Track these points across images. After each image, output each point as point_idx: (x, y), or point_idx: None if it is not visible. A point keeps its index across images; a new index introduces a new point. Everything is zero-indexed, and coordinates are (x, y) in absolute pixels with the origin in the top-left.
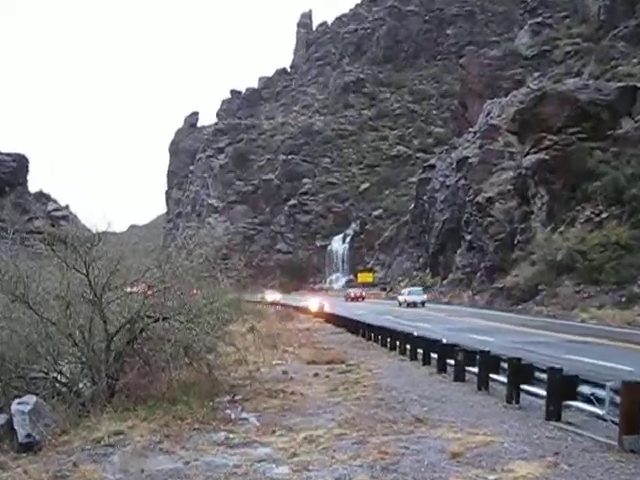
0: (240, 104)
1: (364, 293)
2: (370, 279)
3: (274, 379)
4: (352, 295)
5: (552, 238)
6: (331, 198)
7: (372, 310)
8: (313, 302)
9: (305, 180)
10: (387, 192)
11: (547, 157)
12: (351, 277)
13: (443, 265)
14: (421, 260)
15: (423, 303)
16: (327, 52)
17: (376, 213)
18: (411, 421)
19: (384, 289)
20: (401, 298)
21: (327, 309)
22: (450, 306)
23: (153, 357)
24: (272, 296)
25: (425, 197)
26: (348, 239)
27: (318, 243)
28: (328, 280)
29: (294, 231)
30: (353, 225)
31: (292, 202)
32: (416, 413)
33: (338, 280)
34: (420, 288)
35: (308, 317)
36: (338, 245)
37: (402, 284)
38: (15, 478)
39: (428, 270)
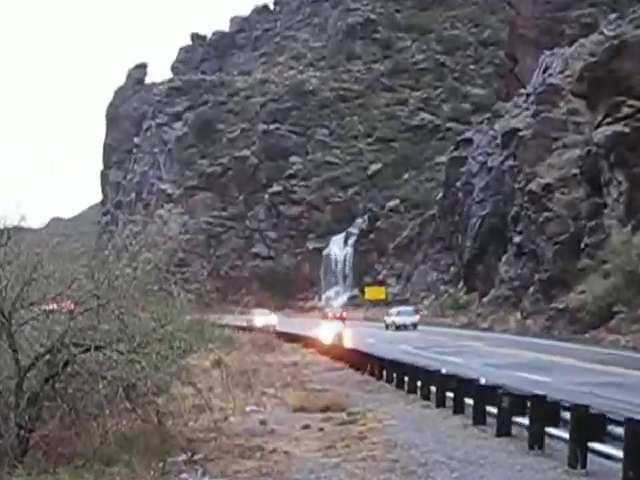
0: (205, 54)
1: (345, 313)
2: (382, 296)
3: (248, 432)
4: (330, 315)
5: (632, 241)
6: (329, 184)
7: (378, 337)
8: (326, 329)
9: (293, 159)
10: (406, 176)
11: (626, 130)
12: (355, 292)
13: (482, 277)
14: (452, 270)
15: (415, 325)
16: None
17: (391, 205)
18: None
19: None
20: (389, 320)
21: (349, 341)
22: (491, 333)
23: (82, 400)
24: (264, 319)
25: (458, 183)
26: (352, 240)
27: (310, 245)
28: (324, 297)
29: (277, 229)
30: (359, 221)
31: (275, 189)
32: None
33: (338, 296)
34: (411, 308)
35: (296, 346)
36: (338, 249)
37: (426, 302)
38: None
39: (461, 284)
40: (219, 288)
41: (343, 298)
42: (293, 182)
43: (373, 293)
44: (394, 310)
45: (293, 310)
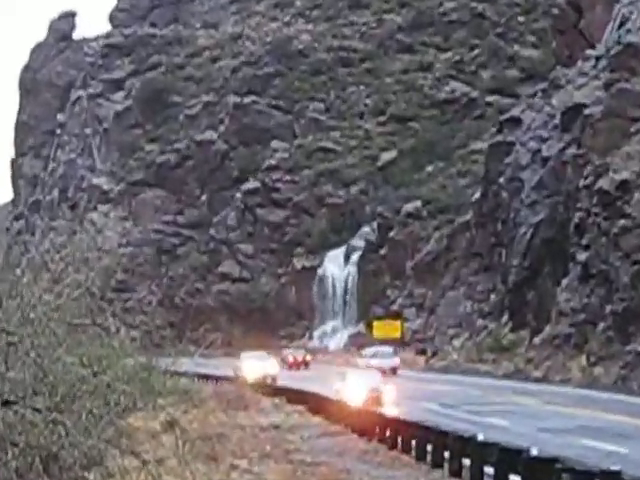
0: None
1: (308, 357)
2: (396, 333)
3: None
4: (290, 360)
5: None
6: (324, 179)
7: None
8: (355, 383)
9: (276, 144)
10: (430, 169)
11: None
12: (360, 329)
13: (534, 308)
14: (493, 298)
15: (394, 370)
16: None
17: (409, 208)
18: None
19: (422, 351)
20: (362, 362)
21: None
22: (547, 385)
23: None
24: (258, 366)
25: (502, 179)
26: (356, 257)
27: (299, 264)
28: (317, 334)
29: (254, 240)
30: (366, 230)
31: (251, 185)
32: None
33: (336, 334)
34: (390, 348)
35: (279, 402)
36: (337, 268)
37: (456, 342)
38: None
39: (506, 317)
40: (173, 322)
41: (343, 336)
42: (275, 176)
43: (384, 330)
44: (370, 350)
45: (274, 352)
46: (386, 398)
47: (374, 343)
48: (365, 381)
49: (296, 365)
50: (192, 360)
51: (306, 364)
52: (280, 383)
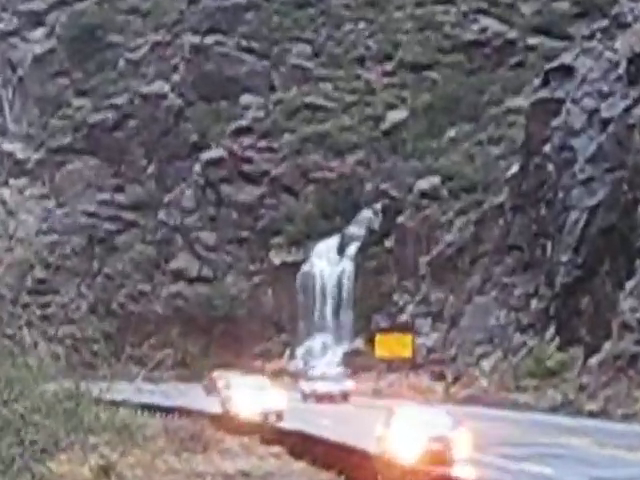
0: None
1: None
2: (406, 351)
3: None
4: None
5: None
6: (312, 145)
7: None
8: (407, 427)
9: (248, 99)
10: (452, 133)
11: None
12: (358, 345)
13: (589, 319)
14: (534, 305)
15: (346, 396)
16: None
17: (424, 185)
18: None
19: (440, 376)
20: (306, 387)
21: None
22: (605, 421)
23: None
24: (256, 397)
25: (547, 148)
26: (353, 249)
27: (277, 258)
28: (300, 352)
29: (217, 227)
30: (366, 215)
31: (214, 154)
32: None
33: (325, 352)
34: (338, 369)
35: (249, 442)
36: (327, 264)
37: (485, 364)
38: None
39: (551, 331)
40: (110, 334)
41: (335, 355)
42: (247, 142)
43: (390, 347)
44: (315, 369)
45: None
46: (456, 451)
47: (377, 365)
48: (425, 425)
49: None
50: (134, 385)
51: None
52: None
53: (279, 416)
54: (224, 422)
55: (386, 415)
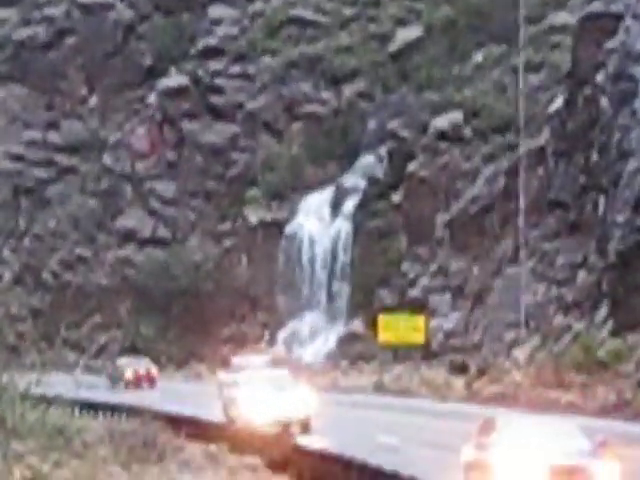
0: None
1: (154, 370)
2: (418, 336)
3: None
4: (128, 375)
5: None
6: (300, 72)
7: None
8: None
9: (217, 10)
10: (478, 57)
11: None
12: (357, 327)
13: None
14: (582, 278)
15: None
16: None
17: (443, 123)
18: None
19: (461, 368)
20: (226, 378)
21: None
22: None
23: None
24: (276, 398)
25: (600, 77)
26: (351, 205)
27: (254, 216)
28: (283, 335)
29: (179, 175)
30: (369, 160)
31: (174, 82)
32: None
33: (315, 336)
34: (265, 357)
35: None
36: (318, 224)
37: (519, 354)
38: None
39: (604, 311)
40: (39, 311)
41: (327, 340)
42: (216, 66)
43: (397, 330)
44: (239, 361)
45: (210, 364)
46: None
47: (380, 353)
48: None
49: (136, 382)
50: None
51: (151, 381)
52: None
53: (304, 427)
54: (223, 436)
55: (481, 429)
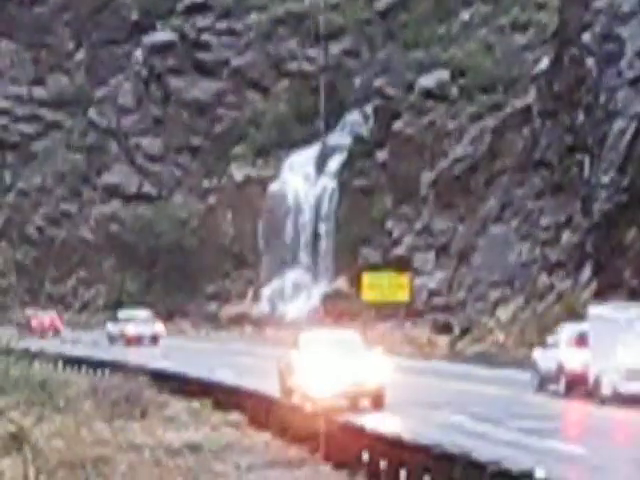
0: None
1: (58, 321)
2: (402, 293)
3: None
4: (34, 323)
5: None
6: (286, 28)
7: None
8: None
9: None
10: (465, 15)
11: None
12: (340, 285)
13: (636, 258)
14: (566, 238)
15: (156, 340)
16: None
17: (429, 81)
18: None
19: (445, 327)
20: (113, 329)
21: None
22: None
23: None
24: (343, 365)
25: (587, 36)
26: (336, 163)
27: (240, 173)
28: (267, 292)
29: (164, 131)
30: (354, 118)
31: (159, 37)
32: None
33: (299, 293)
34: (147, 312)
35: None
36: (303, 181)
37: (502, 313)
38: None
39: (588, 271)
40: (24, 267)
41: (311, 297)
42: (202, 22)
43: (381, 288)
44: (123, 313)
45: (194, 321)
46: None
47: (364, 310)
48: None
49: (41, 330)
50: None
51: (56, 330)
52: None
53: (377, 400)
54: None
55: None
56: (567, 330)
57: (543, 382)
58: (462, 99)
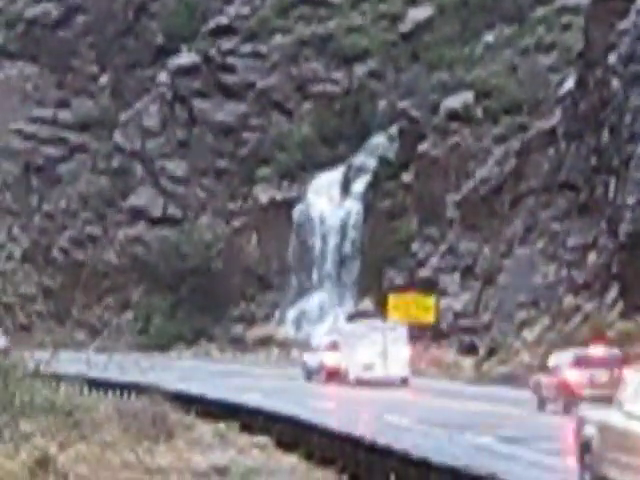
0: None
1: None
2: (428, 315)
3: None
4: None
5: None
6: (311, 51)
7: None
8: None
9: None
10: (489, 38)
11: None
12: (365, 307)
13: None
14: (592, 259)
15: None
16: None
17: (454, 103)
18: None
19: (470, 348)
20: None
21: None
22: None
23: None
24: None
25: (613, 58)
26: (361, 185)
27: (265, 195)
28: (292, 315)
29: (189, 154)
30: (379, 140)
31: (184, 60)
32: None
33: (324, 315)
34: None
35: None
36: (328, 203)
37: (528, 334)
38: None
39: (614, 293)
40: (51, 290)
41: (337, 318)
42: (227, 45)
43: (407, 310)
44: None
45: (220, 343)
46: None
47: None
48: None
49: None
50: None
51: None
52: None
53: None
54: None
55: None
56: (324, 339)
57: (309, 374)
58: (487, 121)
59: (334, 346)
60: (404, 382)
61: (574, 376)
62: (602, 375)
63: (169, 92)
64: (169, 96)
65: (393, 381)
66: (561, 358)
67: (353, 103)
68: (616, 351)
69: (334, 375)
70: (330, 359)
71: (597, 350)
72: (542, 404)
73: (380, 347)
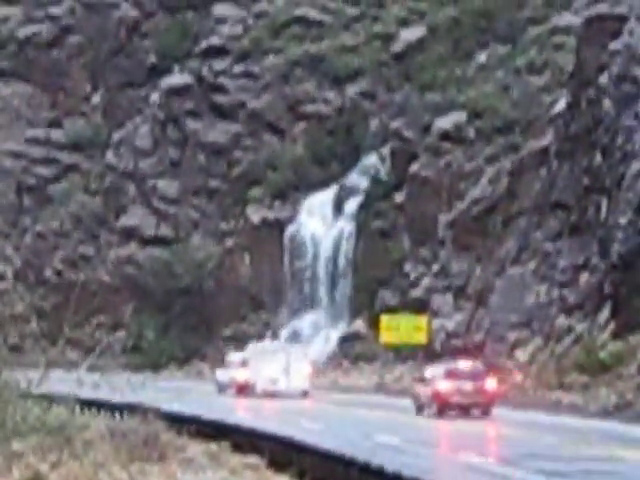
0: None
1: None
2: (420, 336)
3: None
4: None
5: None
6: (303, 71)
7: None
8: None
9: (222, 9)
10: (482, 58)
11: None
12: (357, 328)
13: None
14: (584, 280)
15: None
16: None
17: (446, 124)
18: None
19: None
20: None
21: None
22: None
23: None
24: None
25: (604, 78)
26: (353, 205)
27: (257, 215)
28: (285, 334)
29: (181, 174)
30: (371, 160)
31: (177, 80)
32: None
33: (317, 334)
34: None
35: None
36: (321, 224)
37: (520, 354)
38: None
39: (606, 313)
40: (42, 310)
41: (329, 340)
42: (220, 65)
43: (399, 330)
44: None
45: (212, 363)
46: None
47: (381, 353)
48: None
49: None
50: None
51: None
52: None
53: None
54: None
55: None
56: (236, 356)
57: (222, 388)
58: (479, 141)
59: (244, 363)
60: (305, 394)
61: (445, 386)
62: (468, 385)
63: (161, 112)
64: (161, 116)
65: (295, 394)
66: (435, 371)
67: (345, 123)
68: (480, 365)
69: (244, 389)
70: (240, 374)
71: (464, 364)
72: (420, 409)
73: (284, 364)
